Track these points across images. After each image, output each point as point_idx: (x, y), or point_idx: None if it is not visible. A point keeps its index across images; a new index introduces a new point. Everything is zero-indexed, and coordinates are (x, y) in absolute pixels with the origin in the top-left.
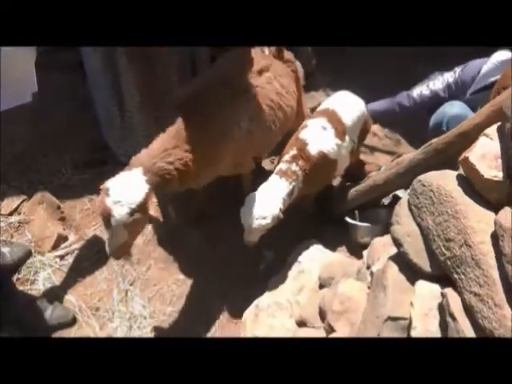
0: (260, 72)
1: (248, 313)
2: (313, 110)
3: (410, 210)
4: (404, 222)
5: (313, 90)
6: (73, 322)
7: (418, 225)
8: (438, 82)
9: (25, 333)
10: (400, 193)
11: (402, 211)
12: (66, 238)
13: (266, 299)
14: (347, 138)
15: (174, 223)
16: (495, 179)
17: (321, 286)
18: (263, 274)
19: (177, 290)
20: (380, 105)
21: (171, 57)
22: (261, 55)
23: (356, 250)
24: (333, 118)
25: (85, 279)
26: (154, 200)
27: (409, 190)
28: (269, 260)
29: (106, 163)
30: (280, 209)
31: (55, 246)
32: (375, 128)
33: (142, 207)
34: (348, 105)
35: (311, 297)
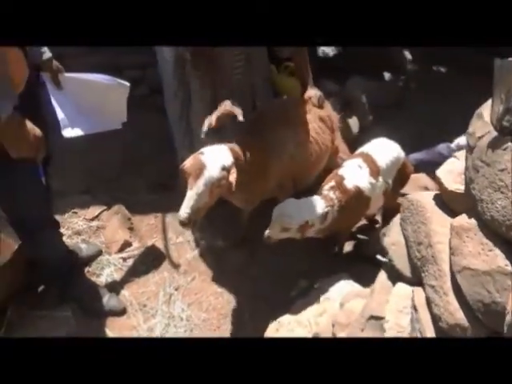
0: (303, 112)
1: (270, 327)
2: None
3: (400, 224)
4: (392, 234)
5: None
6: (123, 312)
7: (404, 236)
8: None
9: (83, 311)
10: None
11: (393, 226)
12: (130, 244)
13: (287, 317)
14: (381, 178)
15: (221, 246)
16: (457, 191)
17: None
18: (294, 299)
19: (213, 301)
20: (421, 154)
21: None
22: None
23: None
24: (367, 159)
25: (139, 279)
26: (234, 170)
27: None
28: (302, 288)
29: (173, 189)
30: (307, 222)
31: (121, 250)
32: (428, 183)
33: (229, 169)
34: (382, 149)
35: (330, 320)
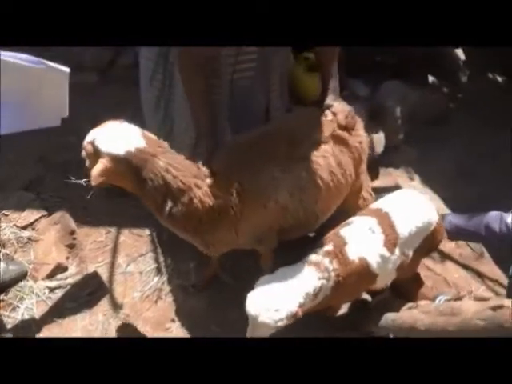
0: (318, 143)
1: None
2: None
3: None
4: None
5: (392, 167)
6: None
7: None
8: None
9: None
10: None
11: None
12: (65, 269)
13: None
14: (397, 250)
15: (180, 286)
16: None
17: None
18: None
19: None
20: (462, 220)
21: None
22: (324, 121)
23: None
24: (384, 221)
25: (63, 321)
26: (109, 162)
27: None
28: None
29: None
30: (300, 304)
31: (50, 275)
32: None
33: (99, 153)
34: (408, 210)
35: None
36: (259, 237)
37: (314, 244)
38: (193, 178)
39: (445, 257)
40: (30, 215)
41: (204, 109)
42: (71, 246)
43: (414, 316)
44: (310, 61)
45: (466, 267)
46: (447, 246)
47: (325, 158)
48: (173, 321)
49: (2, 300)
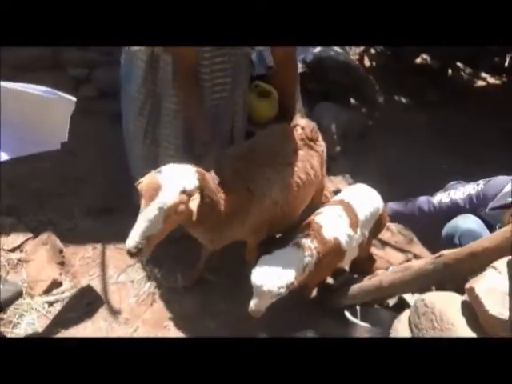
0: (295, 150)
1: None
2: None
3: (410, 328)
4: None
5: (332, 175)
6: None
7: None
8: (459, 192)
9: None
10: (407, 297)
11: (401, 327)
12: (60, 284)
13: None
14: (359, 231)
15: (171, 287)
16: (501, 317)
17: None
18: None
19: None
20: (400, 206)
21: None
22: (296, 134)
23: None
24: (348, 208)
25: (67, 331)
26: (197, 196)
27: (413, 302)
28: None
29: (118, 213)
30: (295, 277)
31: (47, 291)
32: (389, 223)
33: (191, 194)
34: (363, 199)
35: None
36: (255, 229)
37: (296, 231)
38: (214, 194)
39: (384, 244)
40: (16, 239)
41: (201, 116)
42: (61, 264)
43: (378, 277)
44: (259, 88)
45: (402, 251)
46: (385, 235)
47: (302, 162)
48: (170, 319)
49: (1, 319)
